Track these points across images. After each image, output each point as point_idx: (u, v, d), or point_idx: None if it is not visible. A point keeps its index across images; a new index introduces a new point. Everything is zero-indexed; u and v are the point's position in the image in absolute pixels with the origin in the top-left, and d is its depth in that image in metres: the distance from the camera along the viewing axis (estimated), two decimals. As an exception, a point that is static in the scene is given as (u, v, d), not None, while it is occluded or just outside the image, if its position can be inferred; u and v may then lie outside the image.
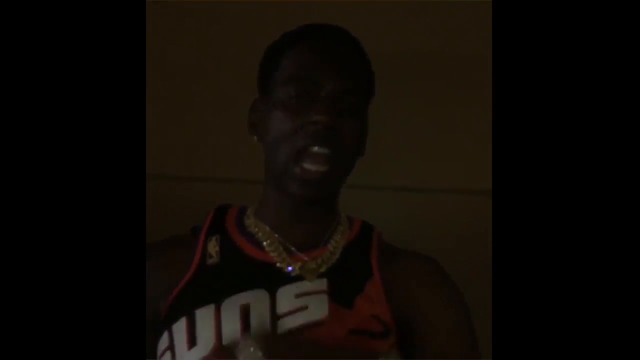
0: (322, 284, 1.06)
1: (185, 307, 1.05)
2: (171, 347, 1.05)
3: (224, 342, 1.01)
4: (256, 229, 1.11)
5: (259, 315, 1.02)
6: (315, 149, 1.02)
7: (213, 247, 1.09)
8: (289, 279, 1.07)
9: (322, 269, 1.08)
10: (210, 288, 1.06)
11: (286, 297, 1.05)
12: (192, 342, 1.02)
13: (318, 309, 1.04)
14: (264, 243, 1.09)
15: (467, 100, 1.54)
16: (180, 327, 1.04)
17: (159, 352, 1.07)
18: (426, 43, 1.56)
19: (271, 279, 1.06)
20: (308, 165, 1.03)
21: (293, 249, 1.10)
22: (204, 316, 1.03)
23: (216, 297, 1.04)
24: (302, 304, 1.04)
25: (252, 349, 0.95)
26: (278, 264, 1.08)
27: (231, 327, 1.02)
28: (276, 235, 1.10)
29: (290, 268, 1.08)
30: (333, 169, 1.04)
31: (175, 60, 1.58)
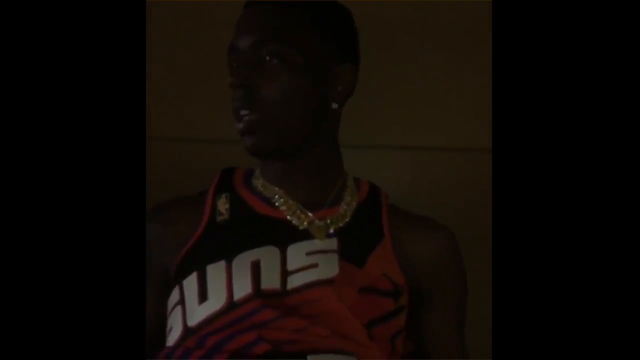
0: (333, 243, 1.07)
1: (196, 263, 1.06)
2: (182, 302, 1.05)
3: (235, 298, 1.02)
4: (263, 188, 1.12)
5: (270, 272, 1.03)
6: (241, 111, 1.05)
7: (223, 205, 1.10)
8: (299, 236, 1.07)
9: (332, 228, 1.09)
10: (221, 245, 1.06)
11: (296, 254, 1.05)
12: (203, 297, 1.03)
13: (328, 268, 1.04)
14: (274, 198, 1.10)
15: (467, 57, 1.54)
16: (191, 282, 1.04)
17: (169, 308, 1.08)
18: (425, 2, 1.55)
19: (282, 236, 1.06)
20: (238, 126, 1.06)
21: (301, 206, 1.10)
22: (215, 272, 1.04)
23: (227, 254, 1.05)
24: (313, 262, 1.05)
25: None
26: (288, 217, 1.08)
27: (242, 283, 1.02)
28: (282, 192, 1.11)
29: (298, 222, 1.09)
30: (259, 123, 1.05)
31: (175, 22, 1.57)
